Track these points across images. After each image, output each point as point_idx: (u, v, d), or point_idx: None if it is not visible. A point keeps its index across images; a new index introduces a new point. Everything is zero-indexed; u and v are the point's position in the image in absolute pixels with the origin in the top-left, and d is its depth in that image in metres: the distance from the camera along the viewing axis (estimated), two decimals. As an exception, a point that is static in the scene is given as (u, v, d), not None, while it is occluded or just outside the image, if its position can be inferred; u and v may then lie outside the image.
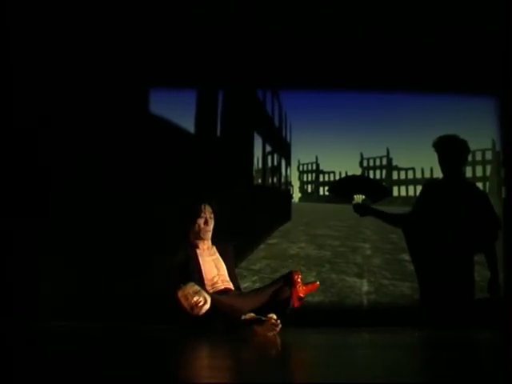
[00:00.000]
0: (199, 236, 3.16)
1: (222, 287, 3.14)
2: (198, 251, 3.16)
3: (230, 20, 3.80)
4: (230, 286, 3.19)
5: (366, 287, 6.15)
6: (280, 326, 2.87)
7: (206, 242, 3.18)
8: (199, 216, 3.14)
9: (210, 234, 3.18)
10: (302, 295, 3.10)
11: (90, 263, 3.91)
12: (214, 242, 3.25)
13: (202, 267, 3.11)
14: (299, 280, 3.11)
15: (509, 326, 2.55)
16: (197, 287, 2.84)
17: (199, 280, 3.02)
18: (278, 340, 2.86)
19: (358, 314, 4.71)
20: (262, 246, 8.63)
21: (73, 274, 3.86)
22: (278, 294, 3.07)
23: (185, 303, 2.78)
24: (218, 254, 3.24)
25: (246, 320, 2.90)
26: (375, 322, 3.83)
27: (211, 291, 2.99)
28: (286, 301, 3.07)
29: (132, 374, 1.92)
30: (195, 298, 2.77)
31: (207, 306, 2.79)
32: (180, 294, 2.80)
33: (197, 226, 3.14)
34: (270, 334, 2.86)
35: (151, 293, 3.61)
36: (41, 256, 3.81)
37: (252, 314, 2.94)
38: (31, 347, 2.67)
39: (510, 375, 1.90)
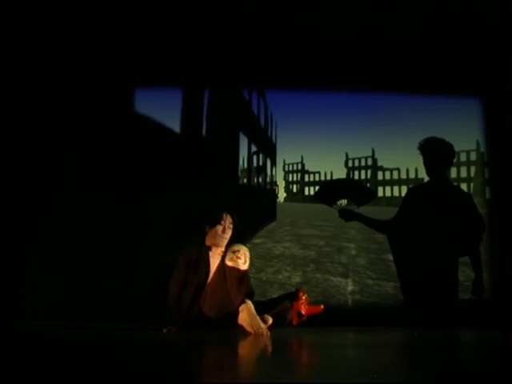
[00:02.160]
0: (215, 241, 3.20)
1: None
2: (211, 253, 3.20)
3: (216, 18, 3.79)
4: None
5: (350, 287, 6.18)
6: (266, 333, 2.90)
7: (219, 248, 3.21)
8: (219, 223, 3.18)
9: (225, 242, 3.23)
10: (303, 312, 3.12)
11: (76, 263, 3.88)
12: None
13: (211, 267, 3.15)
14: (303, 297, 3.15)
15: (508, 326, 2.55)
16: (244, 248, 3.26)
17: (205, 277, 3.08)
18: (267, 340, 2.85)
19: (343, 314, 4.72)
20: (247, 245, 8.61)
21: (59, 274, 3.82)
22: (277, 304, 3.14)
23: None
24: None
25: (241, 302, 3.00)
26: (360, 322, 3.84)
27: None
28: (284, 312, 3.11)
29: (127, 375, 1.90)
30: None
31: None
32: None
33: (215, 231, 3.18)
34: (251, 331, 2.90)
35: (141, 291, 3.60)
36: (25, 256, 3.77)
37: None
38: (15, 348, 2.63)
39: (503, 375, 1.91)
